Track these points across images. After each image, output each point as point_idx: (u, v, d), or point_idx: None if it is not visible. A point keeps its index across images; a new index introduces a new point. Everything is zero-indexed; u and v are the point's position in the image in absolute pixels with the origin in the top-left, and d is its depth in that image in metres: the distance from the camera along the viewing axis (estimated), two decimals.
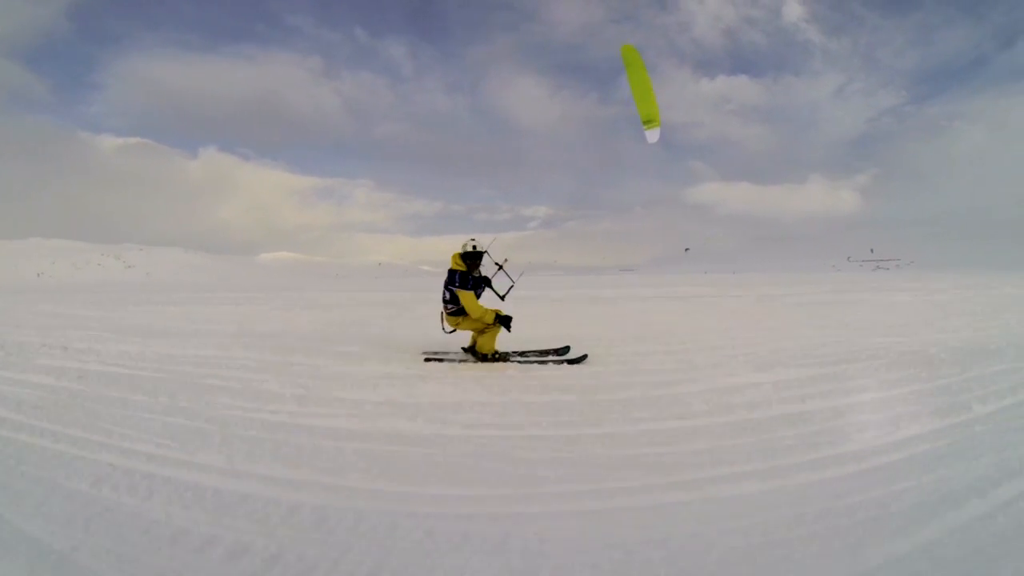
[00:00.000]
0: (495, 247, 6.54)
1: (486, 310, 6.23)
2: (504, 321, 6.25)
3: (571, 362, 6.14)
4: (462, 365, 6.18)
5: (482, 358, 6.33)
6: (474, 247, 6.33)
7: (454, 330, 6.52)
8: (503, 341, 7.03)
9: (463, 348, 6.73)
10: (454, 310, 6.31)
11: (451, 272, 6.26)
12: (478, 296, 6.32)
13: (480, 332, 6.40)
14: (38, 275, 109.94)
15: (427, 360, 6.41)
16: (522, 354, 6.58)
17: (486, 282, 6.48)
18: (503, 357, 6.37)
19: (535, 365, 6.09)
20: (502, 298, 6.71)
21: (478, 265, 6.35)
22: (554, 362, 6.19)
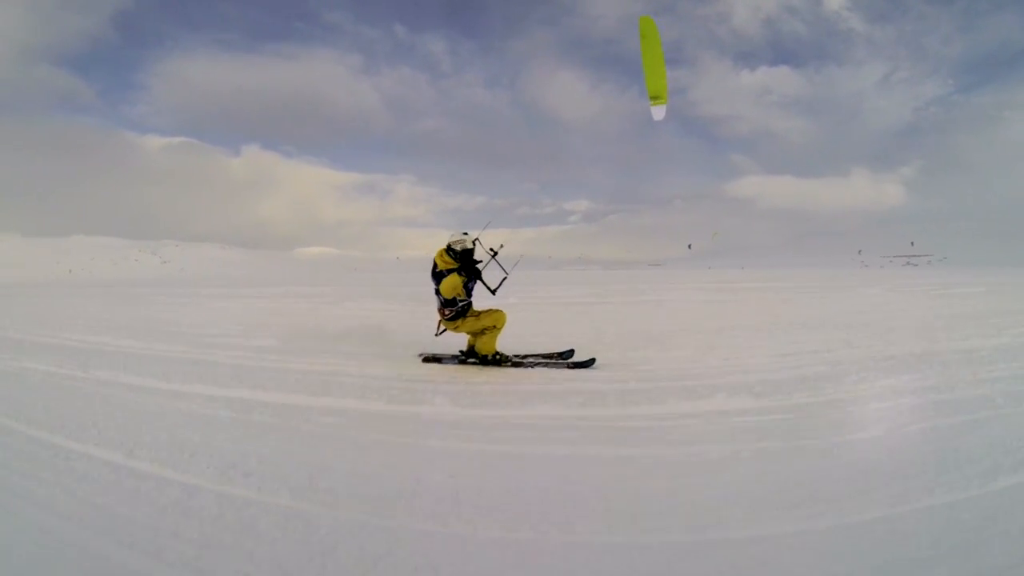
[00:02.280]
0: (486, 235, 5.86)
1: (459, 290, 5.52)
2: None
3: (575, 366, 5.55)
4: (468, 368, 5.76)
5: (483, 360, 5.79)
6: (475, 242, 5.68)
7: (443, 331, 5.97)
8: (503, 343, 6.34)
9: (461, 351, 6.10)
10: (452, 315, 5.71)
11: (439, 276, 5.58)
12: (469, 291, 5.74)
13: (479, 334, 5.79)
14: (69, 271, 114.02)
15: (425, 361, 5.99)
16: (523, 357, 5.96)
17: (476, 274, 5.77)
18: (503, 359, 5.79)
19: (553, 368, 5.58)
20: (493, 292, 5.94)
21: (470, 263, 5.67)
22: (557, 366, 5.64)
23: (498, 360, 5.75)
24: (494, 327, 5.67)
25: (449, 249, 5.56)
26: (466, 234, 5.61)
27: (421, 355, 6.17)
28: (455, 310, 5.65)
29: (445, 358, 6.02)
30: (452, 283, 5.43)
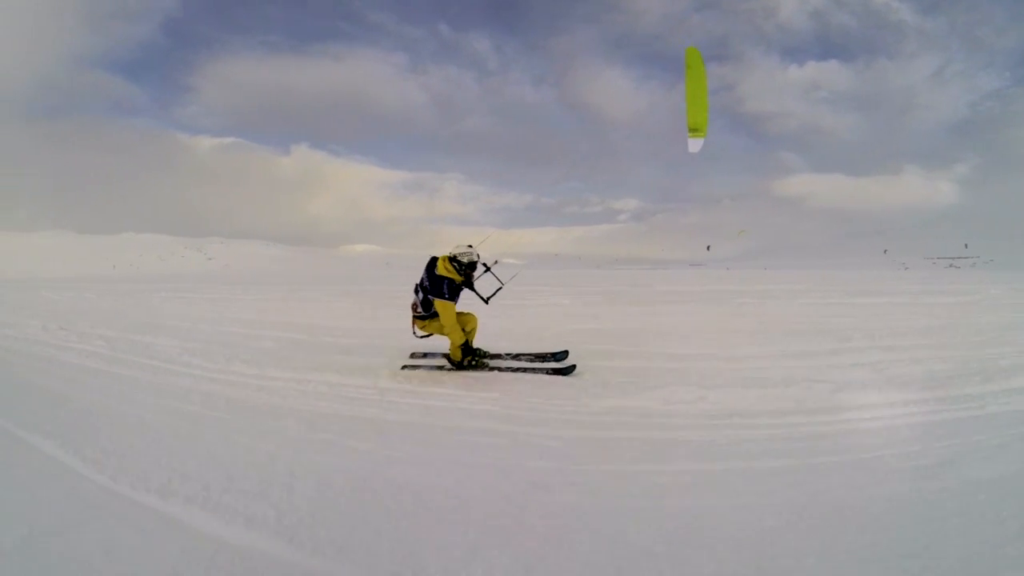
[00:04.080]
0: (485, 247, 5.86)
1: (457, 328, 5.53)
2: (467, 351, 5.66)
3: (555, 372, 5.32)
4: (441, 372, 5.56)
5: (456, 365, 5.65)
6: (478, 257, 5.64)
7: (426, 335, 5.88)
8: (489, 342, 6.25)
9: (444, 355, 5.97)
10: (424, 315, 5.65)
11: (438, 279, 5.46)
12: (455, 300, 5.61)
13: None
14: (113, 267, 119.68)
15: (403, 367, 5.80)
16: (515, 357, 5.87)
17: (469, 285, 5.74)
18: (479, 363, 5.66)
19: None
20: (486, 301, 5.91)
21: (470, 275, 5.64)
22: (539, 371, 5.42)
23: (473, 364, 5.63)
24: (459, 328, 5.58)
25: (454, 260, 5.53)
26: (471, 247, 5.62)
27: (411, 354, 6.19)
28: (427, 312, 5.61)
29: (424, 364, 5.90)
30: (447, 314, 5.46)
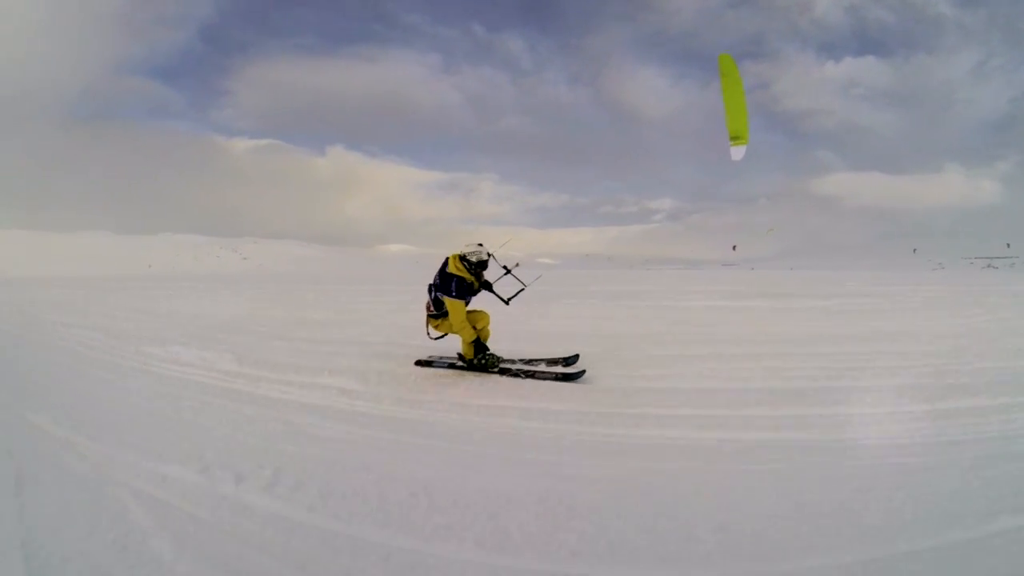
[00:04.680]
0: (505, 250, 6.02)
1: (467, 326, 5.67)
2: (478, 348, 5.80)
3: (564, 377, 5.44)
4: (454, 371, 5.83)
5: (468, 364, 5.83)
6: (488, 255, 5.73)
7: (440, 336, 6.07)
8: (499, 347, 6.41)
9: (458, 354, 6.18)
10: (437, 314, 5.83)
11: (447, 276, 5.61)
12: (467, 301, 5.78)
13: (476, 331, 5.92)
14: (149, 266, 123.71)
15: (417, 364, 6.10)
16: (528, 362, 5.93)
17: (487, 286, 5.91)
18: (491, 364, 5.80)
19: None
20: (506, 302, 6.10)
21: (481, 274, 5.77)
22: (544, 376, 5.51)
23: (484, 364, 5.78)
24: (469, 326, 5.70)
25: (463, 259, 5.64)
26: (480, 245, 5.69)
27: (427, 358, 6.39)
28: (440, 312, 5.78)
29: (437, 362, 6.10)
30: (456, 312, 5.61)
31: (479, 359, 5.79)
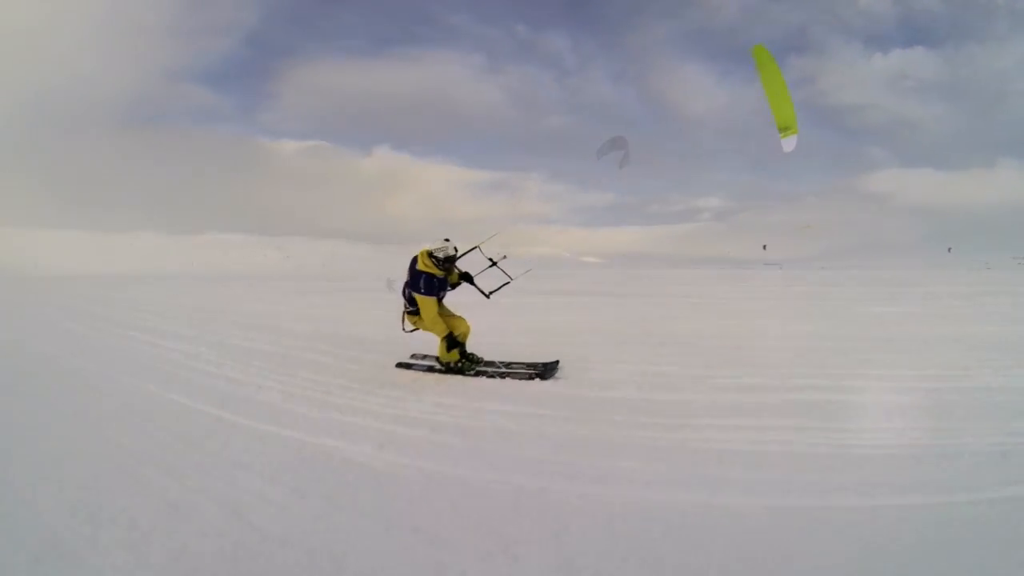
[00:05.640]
0: (491, 244, 6.14)
1: (438, 322, 5.79)
2: (451, 344, 5.89)
3: (536, 376, 5.61)
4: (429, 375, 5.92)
5: (445, 366, 5.98)
6: (455, 250, 5.84)
7: (415, 329, 6.18)
8: (480, 348, 6.54)
9: (435, 357, 6.34)
10: (413, 310, 5.95)
11: (417, 274, 5.73)
12: (440, 297, 5.94)
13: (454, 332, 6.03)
14: (192, 265, 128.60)
15: (397, 366, 6.28)
16: (508, 365, 6.06)
17: (467, 278, 6.06)
18: (467, 367, 5.95)
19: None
20: (487, 296, 6.23)
21: (451, 269, 5.87)
22: (520, 376, 5.67)
23: (460, 368, 5.89)
24: (440, 322, 5.78)
25: (431, 255, 5.70)
26: (447, 240, 5.78)
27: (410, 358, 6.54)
28: (416, 308, 5.85)
29: (416, 366, 6.24)
30: (427, 309, 5.72)
31: (457, 363, 5.90)
